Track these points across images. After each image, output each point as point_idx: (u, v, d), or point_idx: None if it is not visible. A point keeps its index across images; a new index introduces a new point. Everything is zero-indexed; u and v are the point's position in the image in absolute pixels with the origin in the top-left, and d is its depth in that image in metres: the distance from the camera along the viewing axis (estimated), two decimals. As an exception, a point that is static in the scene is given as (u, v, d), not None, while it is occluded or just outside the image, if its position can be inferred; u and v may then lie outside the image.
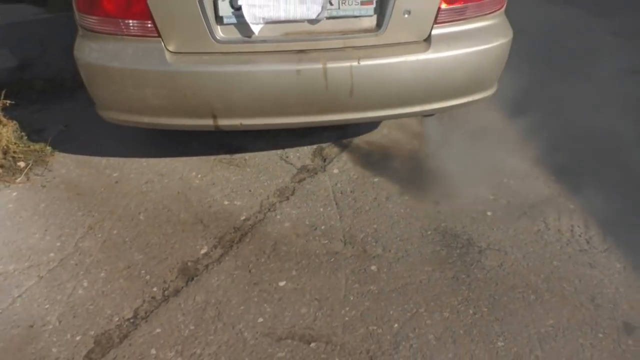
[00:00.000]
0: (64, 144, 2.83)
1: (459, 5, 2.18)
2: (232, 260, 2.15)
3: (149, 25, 2.07)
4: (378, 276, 2.08)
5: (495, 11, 2.28)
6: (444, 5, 2.15)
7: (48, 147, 2.75)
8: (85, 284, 2.03)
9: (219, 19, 2.08)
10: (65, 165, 2.69)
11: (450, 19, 2.20)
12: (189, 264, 2.13)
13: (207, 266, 2.12)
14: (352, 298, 1.98)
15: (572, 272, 2.08)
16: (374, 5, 2.13)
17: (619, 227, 2.29)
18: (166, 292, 2.00)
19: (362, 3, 2.12)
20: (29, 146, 2.74)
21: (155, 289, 2.01)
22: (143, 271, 2.09)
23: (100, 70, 2.16)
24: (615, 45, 4.02)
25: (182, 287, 2.02)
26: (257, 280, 2.06)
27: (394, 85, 2.20)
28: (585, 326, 1.87)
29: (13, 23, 4.51)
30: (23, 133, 2.82)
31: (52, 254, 2.16)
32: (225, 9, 2.06)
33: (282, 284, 2.04)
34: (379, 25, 2.15)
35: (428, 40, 2.19)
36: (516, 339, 1.83)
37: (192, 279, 2.06)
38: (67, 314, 1.90)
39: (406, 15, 2.14)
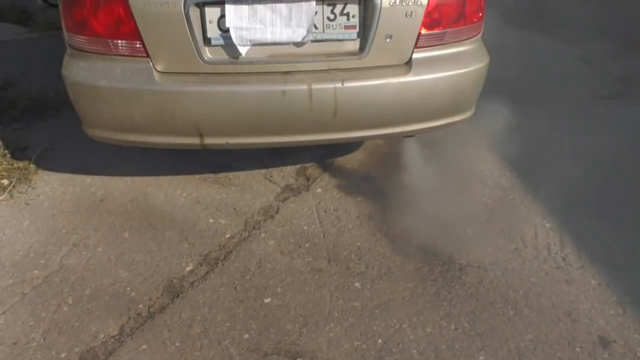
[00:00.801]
0: (48, 162, 2.83)
1: (438, 31, 2.26)
2: (217, 277, 2.17)
3: (138, 45, 2.11)
4: (362, 293, 2.11)
5: (472, 37, 2.37)
6: (423, 31, 2.23)
7: (32, 165, 2.75)
8: (70, 301, 2.03)
9: (206, 41, 2.13)
10: (50, 183, 2.69)
11: (430, 44, 2.27)
12: (175, 281, 2.14)
13: (192, 283, 2.13)
14: (336, 314, 2.02)
15: (549, 289, 2.15)
16: (357, 30, 2.20)
17: (593, 245, 2.37)
18: (152, 309, 2.01)
19: (345, 27, 2.19)
20: (12, 164, 2.74)
21: (140, 306, 2.02)
22: (128, 288, 2.10)
23: (88, 89, 2.18)
24: (585, 72, 4.18)
25: (168, 304, 2.03)
26: (243, 297, 2.08)
27: (377, 106, 2.27)
28: (563, 340, 1.93)
29: (-4, 42, 4.51)
30: (6, 151, 2.83)
31: (36, 271, 2.16)
32: (213, 31, 2.11)
33: (267, 300, 2.07)
34: (362, 48, 2.22)
35: (409, 63, 2.26)
36: (497, 353, 1.88)
37: (178, 295, 2.07)
38: (52, 331, 1.90)
39: (388, 40, 2.21)
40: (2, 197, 2.56)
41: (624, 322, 2.00)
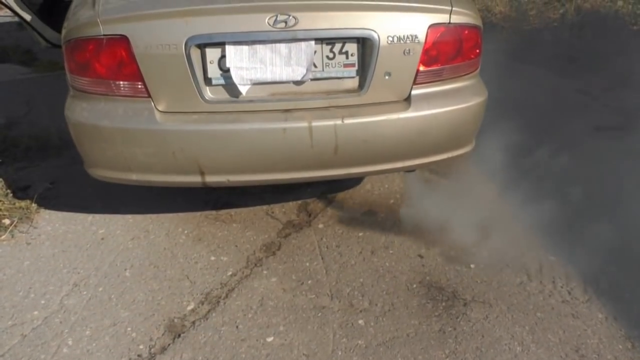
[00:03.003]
0: (49, 201, 2.84)
1: (437, 68, 2.29)
2: (219, 316, 2.14)
3: (140, 86, 2.14)
4: (365, 330, 2.08)
5: (470, 73, 2.40)
6: (422, 68, 2.26)
7: (33, 204, 2.76)
8: (70, 343, 2.00)
9: (207, 80, 2.16)
10: (51, 222, 2.69)
11: (428, 80, 2.30)
12: (176, 320, 2.12)
13: (194, 322, 2.11)
14: (340, 353, 1.98)
15: (556, 323, 2.12)
16: (356, 68, 2.23)
17: (599, 278, 2.34)
18: (152, 350, 1.98)
19: (345, 65, 2.23)
20: (14, 203, 2.74)
21: (141, 347, 1.99)
22: (129, 328, 2.07)
23: (90, 129, 2.20)
24: (583, 104, 4.22)
25: (169, 344, 2.00)
26: (245, 336, 2.05)
27: (377, 142, 2.28)
28: (571, 377, 1.89)
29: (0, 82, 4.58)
30: (8, 190, 2.83)
31: (36, 312, 2.13)
32: (214, 71, 2.14)
33: (269, 339, 2.04)
34: (361, 86, 2.25)
35: (408, 99, 2.29)
36: (504, 391, 1.84)
37: (179, 335, 2.04)
38: (51, 374, 1.87)
39: (387, 77, 2.24)
40: (3, 236, 2.55)
41: (633, 358, 1.96)
